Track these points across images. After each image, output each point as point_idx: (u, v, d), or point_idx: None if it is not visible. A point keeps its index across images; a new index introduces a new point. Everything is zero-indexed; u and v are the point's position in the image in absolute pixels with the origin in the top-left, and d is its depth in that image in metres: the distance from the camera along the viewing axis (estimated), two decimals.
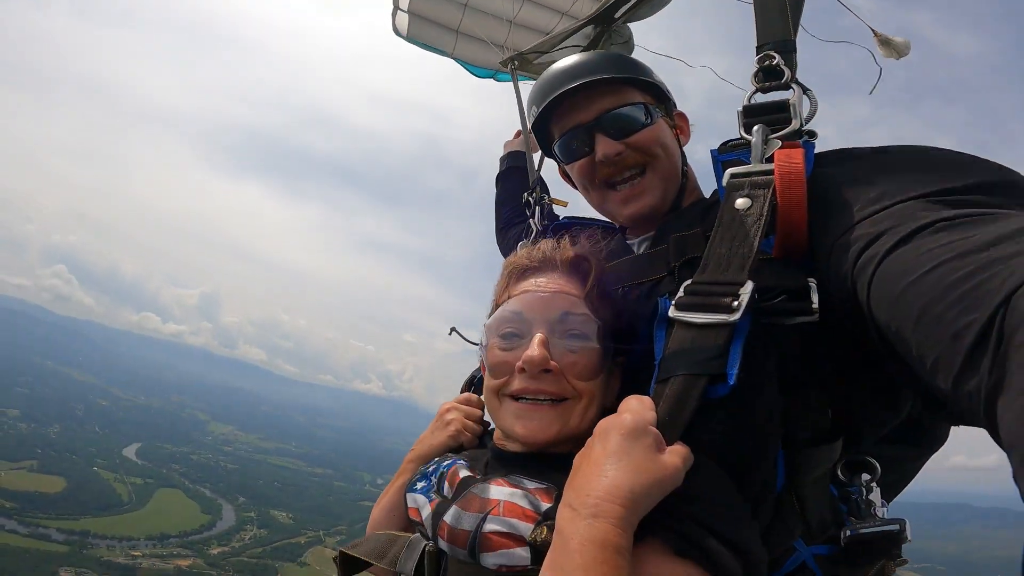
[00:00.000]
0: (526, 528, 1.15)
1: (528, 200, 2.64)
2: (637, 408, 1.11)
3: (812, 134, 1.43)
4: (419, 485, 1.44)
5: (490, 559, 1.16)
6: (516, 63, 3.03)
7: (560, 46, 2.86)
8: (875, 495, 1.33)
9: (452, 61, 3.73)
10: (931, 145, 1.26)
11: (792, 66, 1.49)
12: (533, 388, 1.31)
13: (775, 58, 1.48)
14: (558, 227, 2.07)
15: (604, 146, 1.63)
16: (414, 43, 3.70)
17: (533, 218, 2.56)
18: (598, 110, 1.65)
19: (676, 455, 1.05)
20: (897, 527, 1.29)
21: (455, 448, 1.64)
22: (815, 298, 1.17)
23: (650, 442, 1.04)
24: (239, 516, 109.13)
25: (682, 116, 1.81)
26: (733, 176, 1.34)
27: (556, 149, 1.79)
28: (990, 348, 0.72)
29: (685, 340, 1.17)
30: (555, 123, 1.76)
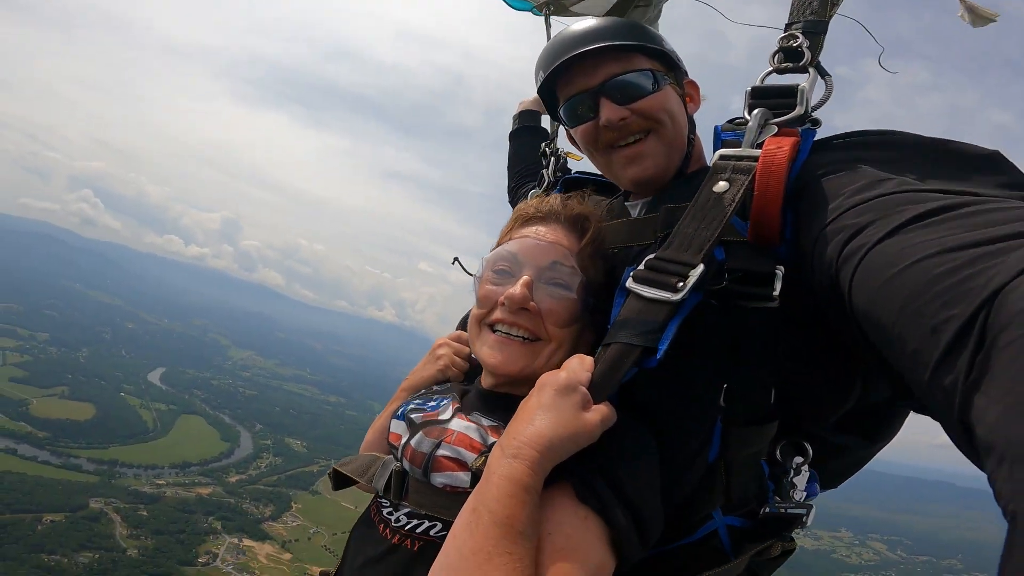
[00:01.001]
0: (471, 457, 1.29)
1: (544, 150, 2.63)
2: (575, 368, 1.21)
3: (816, 122, 1.39)
4: (401, 412, 1.56)
5: (438, 478, 1.32)
6: (552, 7, 2.89)
7: None
8: (800, 478, 1.36)
9: None
10: (931, 135, 1.23)
11: (816, 49, 1.43)
12: (509, 321, 1.40)
13: (798, 39, 1.43)
14: (568, 180, 2.13)
15: (608, 111, 1.58)
16: None
17: (547, 168, 2.55)
18: (604, 75, 1.59)
19: (597, 414, 1.13)
20: (804, 512, 1.36)
21: (443, 380, 1.75)
22: (778, 286, 1.19)
23: (577, 400, 1.13)
24: (256, 444, 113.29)
25: (692, 84, 1.75)
26: (721, 158, 1.35)
27: (561, 113, 1.75)
28: (970, 345, 0.71)
29: (633, 310, 1.22)
30: (561, 88, 1.71)
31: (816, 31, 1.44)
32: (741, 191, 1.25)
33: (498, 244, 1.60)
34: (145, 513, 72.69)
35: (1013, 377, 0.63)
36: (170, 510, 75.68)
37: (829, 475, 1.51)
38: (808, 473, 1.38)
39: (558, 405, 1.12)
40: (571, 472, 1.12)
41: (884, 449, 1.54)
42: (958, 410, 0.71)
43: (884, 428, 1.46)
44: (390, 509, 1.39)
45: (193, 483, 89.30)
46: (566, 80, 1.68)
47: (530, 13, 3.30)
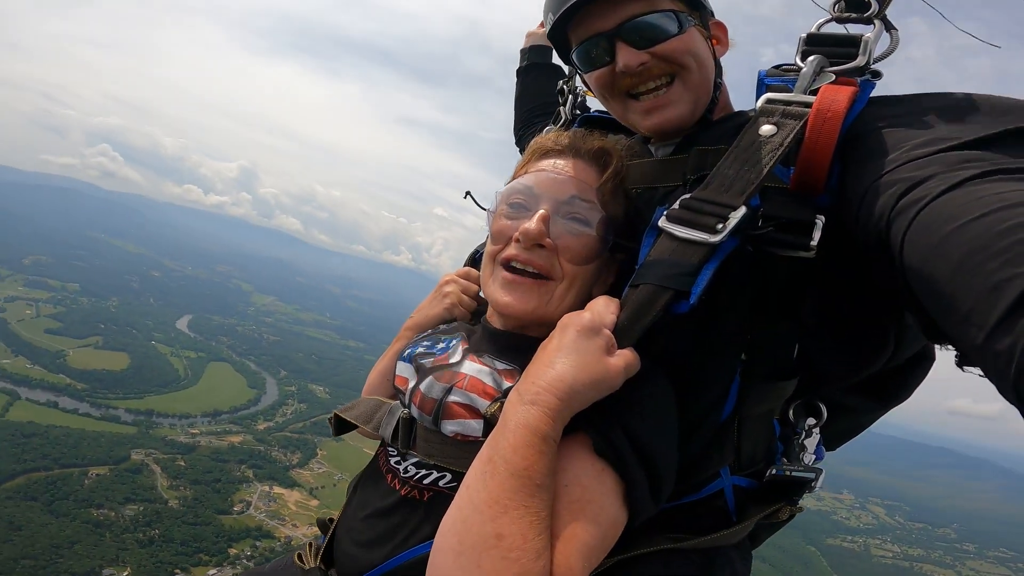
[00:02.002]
0: (483, 403, 1.21)
1: (562, 87, 2.38)
2: (600, 309, 1.13)
3: (876, 74, 1.29)
4: (409, 352, 1.47)
5: (448, 426, 1.23)
6: None
7: None
8: (811, 440, 1.30)
9: None
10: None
11: (884, 0, 1.32)
12: (524, 258, 1.31)
13: None
14: (587, 119, 1.96)
15: (626, 56, 1.44)
16: None
17: (564, 106, 2.34)
18: (621, 17, 1.43)
19: (622, 359, 1.06)
20: (813, 476, 1.29)
21: (449, 320, 1.65)
22: (816, 235, 1.11)
23: (601, 343, 1.05)
24: (281, 390, 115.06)
25: (719, 25, 1.59)
26: (769, 101, 1.26)
27: (574, 57, 1.59)
28: None
29: (665, 251, 1.14)
30: (573, 29, 1.55)
31: None
32: (791, 136, 1.16)
33: (513, 178, 1.49)
34: (183, 463, 74.54)
35: None
36: (205, 460, 77.60)
37: (831, 436, 1.45)
38: (819, 436, 1.32)
39: (581, 348, 1.05)
40: (589, 422, 1.06)
41: (892, 412, 1.46)
42: (1015, 376, 0.67)
43: (899, 391, 1.40)
44: (398, 458, 1.32)
45: (225, 432, 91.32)
46: (579, 21, 1.52)
47: None
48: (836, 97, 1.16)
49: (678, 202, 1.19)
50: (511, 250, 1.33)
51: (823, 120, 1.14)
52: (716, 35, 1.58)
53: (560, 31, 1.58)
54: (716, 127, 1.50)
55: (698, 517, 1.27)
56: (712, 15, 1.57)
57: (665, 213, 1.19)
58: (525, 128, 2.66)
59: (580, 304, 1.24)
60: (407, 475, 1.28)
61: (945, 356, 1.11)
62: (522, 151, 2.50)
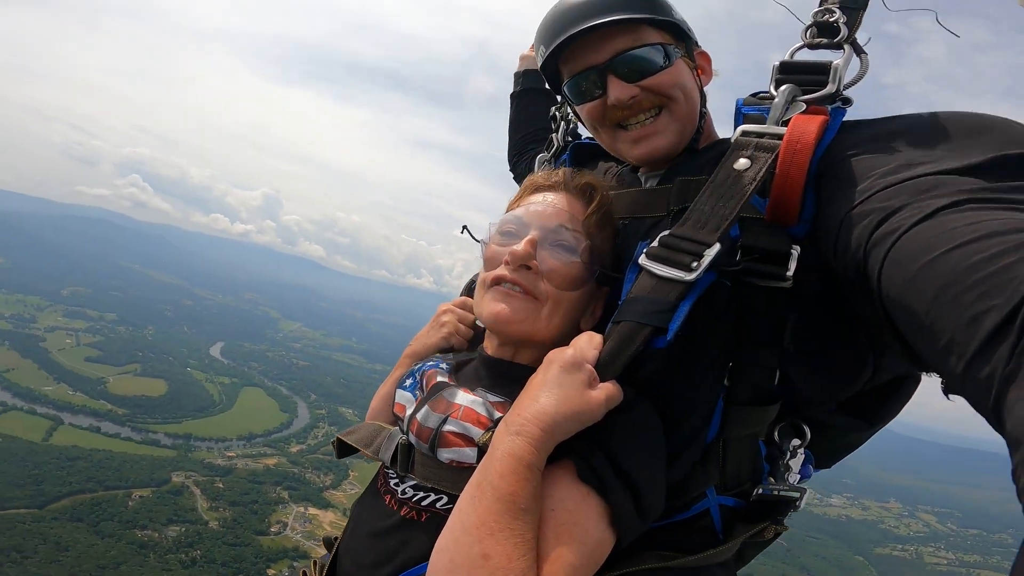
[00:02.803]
0: (477, 432, 1.24)
1: (555, 114, 2.32)
2: (582, 345, 1.17)
3: (847, 100, 1.30)
4: (407, 383, 1.50)
5: (444, 454, 1.27)
6: None
7: None
8: (796, 461, 1.31)
9: None
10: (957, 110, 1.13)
11: (853, 24, 1.32)
12: (511, 278, 1.35)
13: (835, 14, 1.33)
14: (578, 146, 1.96)
15: (617, 90, 1.45)
16: None
17: (556, 133, 2.28)
18: (611, 51, 1.45)
19: (603, 392, 1.10)
20: (797, 495, 1.30)
21: (446, 349, 1.67)
22: (792, 266, 1.13)
23: (583, 378, 1.10)
24: (312, 414, 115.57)
25: (703, 55, 1.61)
26: (744, 134, 1.26)
27: (565, 89, 1.60)
28: (1011, 337, 0.67)
29: (644, 288, 1.17)
30: (564, 62, 1.56)
31: (855, 6, 1.33)
32: (763, 170, 1.17)
33: (507, 211, 1.54)
34: (221, 485, 74.99)
35: None
36: (242, 481, 77.97)
37: (823, 455, 1.47)
38: (804, 456, 1.33)
39: (563, 382, 1.10)
40: (574, 450, 1.10)
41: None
42: (993, 402, 0.68)
43: (886, 410, 1.41)
44: (396, 480, 1.36)
45: (260, 454, 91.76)
46: (570, 55, 1.53)
47: None
48: (806, 128, 1.17)
49: (657, 239, 1.21)
50: (501, 270, 1.37)
51: (793, 152, 1.15)
52: (701, 65, 1.59)
53: (552, 63, 1.59)
54: (700, 156, 1.49)
55: (686, 536, 1.28)
56: (697, 45, 1.59)
57: (645, 250, 1.21)
58: (519, 155, 2.64)
59: (566, 329, 1.34)
60: (405, 496, 1.31)
61: None
62: (516, 177, 2.67)
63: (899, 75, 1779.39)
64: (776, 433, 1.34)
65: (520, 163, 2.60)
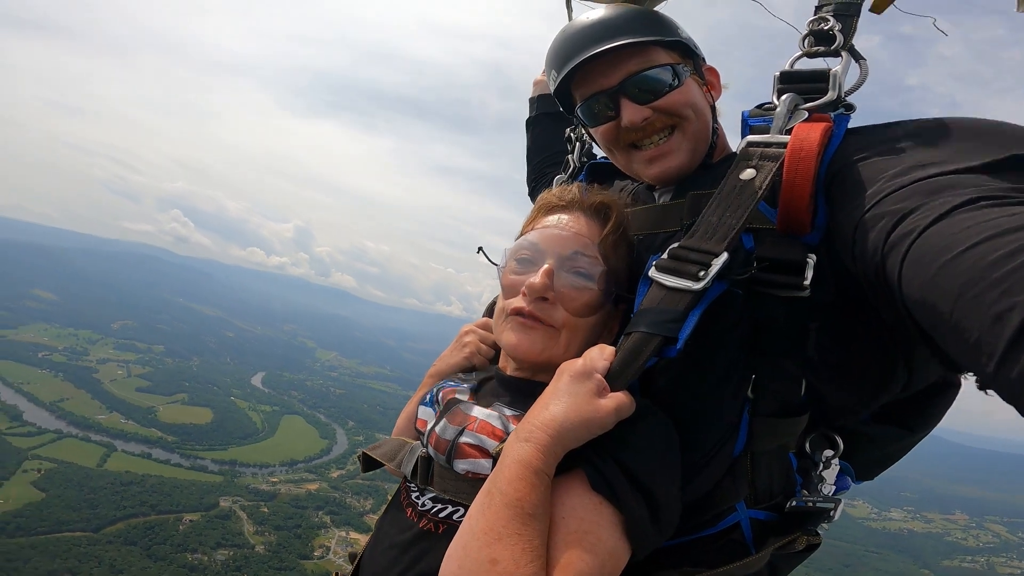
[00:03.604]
0: (492, 444, 1.24)
1: (570, 135, 2.33)
2: (593, 356, 1.17)
3: (850, 107, 1.30)
4: (428, 399, 1.53)
5: (460, 465, 1.27)
6: None
7: None
8: (830, 472, 1.29)
9: None
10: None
11: (848, 31, 1.32)
12: (529, 310, 1.35)
13: (829, 22, 1.33)
14: (594, 165, 1.98)
15: (630, 112, 1.45)
16: None
17: (572, 154, 2.29)
18: (622, 74, 1.45)
19: (612, 402, 1.09)
20: (832, 506, 1.28)
21: (468, 368, 1.69)
22: (809, 275, 1.12)
23: (592, 387, 1.10)
24: (350, 440, 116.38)
25: (712, 71, 1.61)
26: (749, 144, 1.26)
27: (579, 112, 1.60)
28: None
29: (655, 299, 1.17)
30: (576, 87, 1.56)
31: (848, 13, 1.33)
32: (768, 178, 1.17)
33: (521, 233, 1.54)
34: (266, 510, 76.04)
35: None
36: (286, 506, 78.87)
37: (864, 466, 1.43)
38: (838, 467, 1.30)
39: (572, 391, 1.10)
40: (585, 459, 1.10)
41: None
42: None
43: (926, 417, 1.37)
44: (417, 493, 1.36)
45: (302, 479, 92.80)
46: (581, 79, 1.53)
47: None
48: (809, 135, 1.17)
49: (667, 251, 1.21)
50: (519, 302, 1.37)
51: (797, 160, 1.15)
52: (710, 81, 1.59)
53: (564, 88, 1.59)
54: (713, 170, 1.48)
55: (715, 550, 1.27)
56: (704, 61, 1.59)
57: (655, 263, 1.22)
58: (538, 180, 2.62)
59: (584, 351, 1.31)
60: (424, 508, 1.31)
61: None
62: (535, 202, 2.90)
63: (923, 76, 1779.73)
64: (808, 444, 1.31)
65: (539, 187, 2.55)
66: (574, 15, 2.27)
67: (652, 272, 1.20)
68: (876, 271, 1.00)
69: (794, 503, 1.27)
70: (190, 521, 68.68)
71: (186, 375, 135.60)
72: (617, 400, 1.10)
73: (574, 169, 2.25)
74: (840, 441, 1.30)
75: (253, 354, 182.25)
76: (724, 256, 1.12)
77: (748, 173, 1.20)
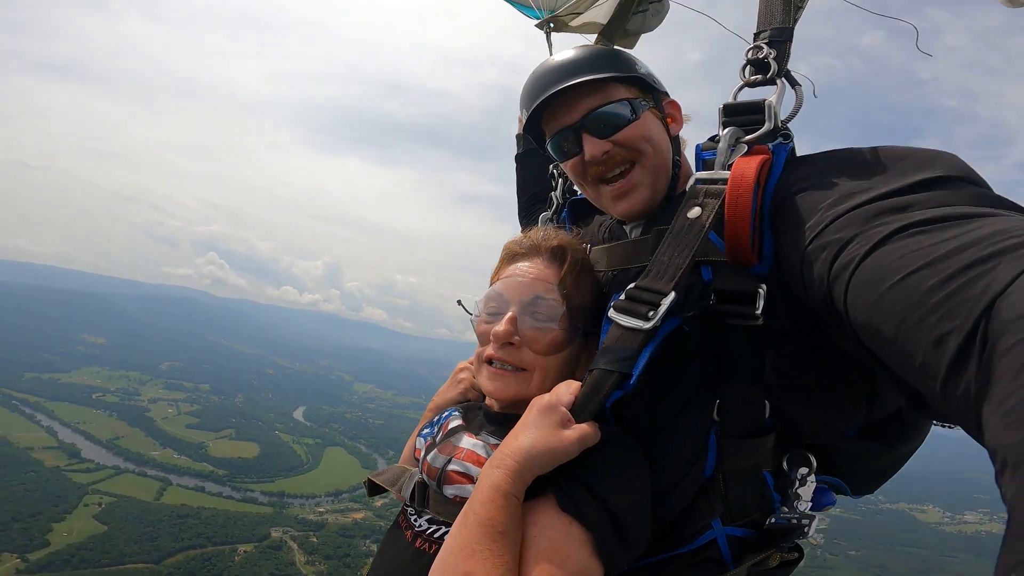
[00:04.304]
0: (477, 471, 1.32)
1: (552, 172, 2.39)
2: (559, 391, 1.26)
3: (787, 136, 1.33)
4: (425, 431, 1.61)
5: (449, 490, 1.36)
6: (551, 25, 2.70)
7: (596, 3, 2.52)
8: (805, 489, 1.31)
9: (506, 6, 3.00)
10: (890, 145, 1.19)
11: (782, 58, 1.34)
12: (499, 356, 1.45)
13: (763, 50, 1.35)
14: (575, 202, 2.08)
15: (591, 146, 1.52)
16: None
17: (555, 191, 2.36)
18: (583, 110, 1.53)
19: (576, 432, 1.16)
20: (806, 523, 1.29)
21: (463, 402, 1.76)
22: (760, 304, 1.17)
23: (557, 419, 1.18)
24: None
25: (674, 104, 1.65)
26: (696, 182, 1.31)
27: (548, 148, 1.68)
28: (975, 355, 0.70)
29: (613, 338, 1.23)
30: (545, 123, 1.64)
31: (781, 38, 1.35)
32: (712, 216, 1.22)
33: (491, 281, 1.61)
34: (315, 540, 76.80)
35: (1007, 386, 0.64)
36: (334, 536, 79.44)
37: (859, 480, 1.44)
38: (814, 484, 1.32)
39: (539, 423, 1.19)
40: (555, 484, 1.17)
41: None
42: (973, 419, 0.71)
43: (906, 433, 1.38)
44: (415, 515, 1.44)
45: (348, 509, 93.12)
46: (549, 116, 1.61)
47: (535, 23, 2.90)
48: (745, 171, 1.20)
49: (625, 291, 1.27)
50: (490, 350, 1.47)
51: (736, 197, 1.19)
52: (671, 114, 1.63)
53: (536, 125, 1.66)
54: (675, 204, 1.45)
55: (691, 567, 1.30)
56: (666, 95, 1.64)
57: (613, 304, 1.28)
58: (527, 217, 2.67)
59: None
60: (420, 529, 1.39)
61: None
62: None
63: (934, 68, 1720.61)
64: (786, 462, 1.33)
65: (528, 223, 2.55)
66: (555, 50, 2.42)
67: (611, 312, 1.27)
68: (825, 300, 1.04)
69: (773, 520, 1.29)
70: (244, 552, 69.83)
71: (232, 411, 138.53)
72: (580, 431, 1.17)
73: (558, 206, 2.32)
74: (813, 459, 1.32)
75: (293, 389, 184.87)
76: (671, 296, 1.17)
77: (695, 212, 1.25)
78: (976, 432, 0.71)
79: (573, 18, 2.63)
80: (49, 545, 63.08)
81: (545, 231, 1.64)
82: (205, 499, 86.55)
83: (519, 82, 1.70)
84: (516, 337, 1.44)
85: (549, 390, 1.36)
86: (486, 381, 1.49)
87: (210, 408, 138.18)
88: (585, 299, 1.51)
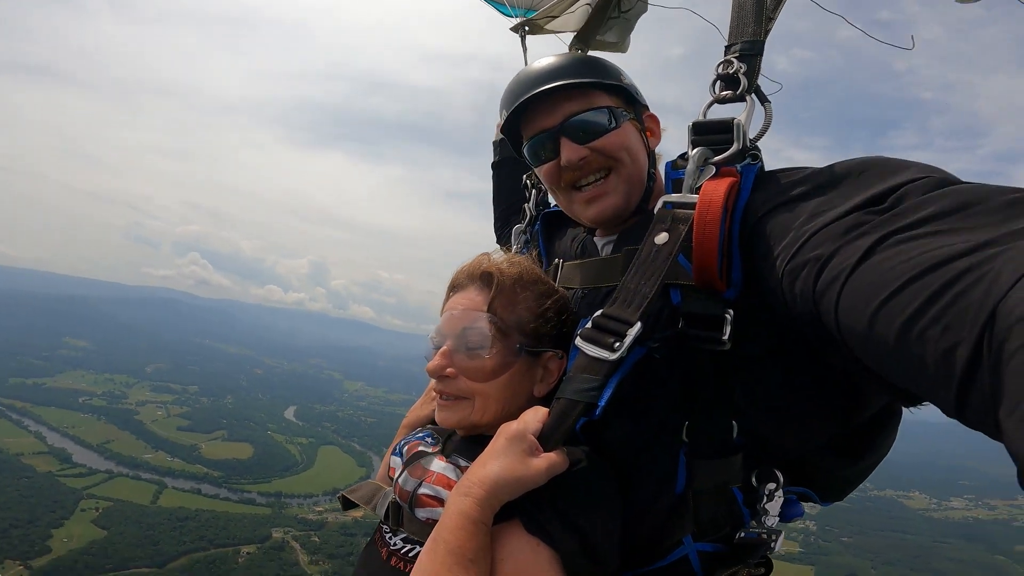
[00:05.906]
0: (447, 494, 1.33)
1: (526, 183, 2.38)
2: (528, 419, 1.26)
3: (756, 155, 1.30)
4: (398, 449, 1.64)
5: (420, 513, 1.38)
6: (527, 28, 2.68)
7: (570, 9, 2.50)
8: (773, 504, 1.32)
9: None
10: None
11: (752, 73, 1.32)
12: (438, 389, 1.50)
13: (733, 64, 1.33)
14: (548, 214, 2.05)
15: (568, 151, 1.52)
16: None
17: (528, 203, 2.34)
18: (563, 115, 1.53)
19: (544, 461, 1.18)
20: (774, 537, 1.31)
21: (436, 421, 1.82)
22: (727, 330, 1.16)
23: (524, 447, 1.19)
24: None
25: (652, 118, 1.66)
26: (664, 204, 1.28)
27: (525, 152, 1.67)
28: (985, 363, 0.70)
29: (579, 367, 1.23)
30: (524, 127, 1.64)
31: (752, 52, 1.32)
32: (679, 242, 1.20)
33: (440, 313, 1.64)
34: (317, 539, 76.71)
35: (1017, 390, 0.64)
36: (335, 534, 79.25)
37: (828, 490, 1.47)
38: (782, 498, 1.33)
39: (507, 451, 1.19)
40: (522, 508, 1.18)
41: None
42: (992, 425, 0.71)
43: (870, 448, 1.40)
44: (390, 534, 1.45)
45: None
46: (528, 119, 1.61)
47: (510, 26, 2.86)
48: (713, 195, 1.18)
49: (591, 320, 1.26)
50: (434, 383, 1.53)
51: (704, 223, 1.16)
52: (650, 127, 1.63)
53: (513, 127, 1.66)
54: (646, 221, 1.40)
55: None
56: (646, 108, 1.64)
57: (579, 332, 1.27)
58: (502, 228, 2.65)
59: (511, 406, 1.44)
60: (395, 548, 1.40)
61: None
62: (504, 249, 2.55)
63: (910, 60, 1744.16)
64: (754, 478, 1.33)
65: (504, 234, 2.58)
66: (528, 55, 2.58)
67: (577, 341, 1.26)
68: (812, 319, 1.01)
69: (742, 534, 1.31)
70: (247, 553, 69.72)
71: (222, 412, 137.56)
72: (548, 460, 1.18)
73: (531, 218, 2.30)
74: (780, 475, 1.33)
75: (283, 389, 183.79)
76: (637, 327, 1.17)
77: (662, 237, 1.23)
78: (998, 438, 0.71)
79: (548, 22, 2.64)
80: (51, 551, 62.58)
81: (481, 258, 1.61)
82: (203, 501, 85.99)
83: (502, 79, 1.69)
84: (450, 369, 1.46)
85: (495, 413, 1.43)
86: (435, 412, 1.54)
87: (200, 410, 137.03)
88: (524, 314, 1.50)
